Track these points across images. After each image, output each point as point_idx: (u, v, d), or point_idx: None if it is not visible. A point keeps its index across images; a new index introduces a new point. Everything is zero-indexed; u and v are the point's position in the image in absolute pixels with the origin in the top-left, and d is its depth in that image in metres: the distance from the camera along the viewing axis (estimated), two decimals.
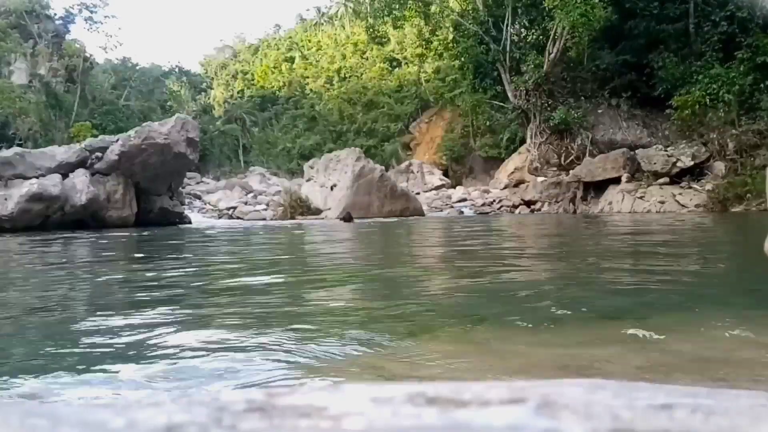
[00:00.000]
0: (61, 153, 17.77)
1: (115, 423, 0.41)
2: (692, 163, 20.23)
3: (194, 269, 6.99)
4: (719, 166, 19.92)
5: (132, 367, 2.52)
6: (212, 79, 66.00)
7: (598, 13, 21.44)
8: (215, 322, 3.57)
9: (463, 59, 27.57)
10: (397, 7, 28.38)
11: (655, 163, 20.54)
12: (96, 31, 43.25)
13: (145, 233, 14.12)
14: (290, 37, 65.26)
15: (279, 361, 2.58)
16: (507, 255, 8.04)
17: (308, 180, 24.76)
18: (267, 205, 25.55)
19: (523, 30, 26.71)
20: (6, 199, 16.14)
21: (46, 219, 16.40)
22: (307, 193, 23.47)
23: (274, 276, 5.84)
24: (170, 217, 19.00)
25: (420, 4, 28.16)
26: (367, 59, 52.63)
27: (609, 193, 21.54)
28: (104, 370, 2.50)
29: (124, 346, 2.93)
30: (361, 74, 51.78)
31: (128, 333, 3.21)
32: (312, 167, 24.94)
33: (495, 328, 3.24)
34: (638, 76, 23.26)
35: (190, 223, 19.69)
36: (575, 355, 2.54)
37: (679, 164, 20.29)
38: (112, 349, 2.87)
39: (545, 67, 23.77)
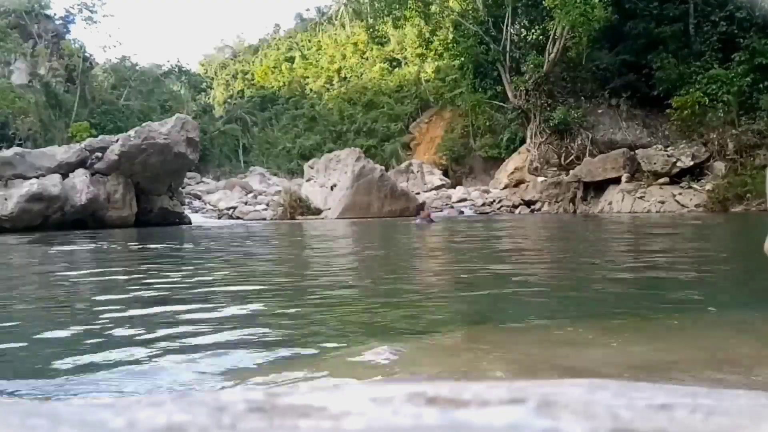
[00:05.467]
0: (61, 153, 17.77)
1: (115, 423, 0.41)
2: (692, 163, 20.23)
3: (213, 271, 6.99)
4: (719, 166, 19.92)
5: (132, 366, 2.52)
6: (212, 79, 65.98)
7: (598, 13, 21.44)
8: (220, 321, 3.56)
9: (463, 59, 27.58)
10: (397, 7, 28.38)
11: (655, 163, 20.54)
12: (96, 31, 43.22)
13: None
14: (290, 37, 65.28)
15: (278, 359, 2.58)
16: (507, 254, 8.04)
17: (308, 180, 24.76)
18: (267, 205, 25.54)
19: (523, 30, 26.72)
20: (6, 199, 16.15)
21: (46, 219, 16.40)
22: (307, 193, 23.47)
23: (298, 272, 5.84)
24: (170, 217, 19.00)
25: (420, 4, 28.15)
26: (367, 59, 52.62)
27: (609, 193, 21.54)
28: (104, 370, 2.50)
29: (124, 345, 2.93)
30: (361, 74, 51.77)
31: (129, 333, 3.21)
32: (312, 167, 24.94)
33: (494, 328, 3.24)
34: (638, 77, 23.27)
35: (189, 223, 19.68)
36: (575, 354, 2.53)
37: (679, 164, 20.29)
38: (113, 348, 2.87)
39: (545, 67, 23.78)
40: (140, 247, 10.87)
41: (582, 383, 0.49)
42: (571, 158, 24.00)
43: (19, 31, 37.81)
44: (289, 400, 0.44)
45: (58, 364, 2.60)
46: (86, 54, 41.91)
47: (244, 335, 3.10)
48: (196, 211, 25.11)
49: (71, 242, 11.48)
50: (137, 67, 49.10)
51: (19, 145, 23.56)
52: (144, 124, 18.70)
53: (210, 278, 6.00)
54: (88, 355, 2.75)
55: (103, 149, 17.62)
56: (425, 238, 11.99)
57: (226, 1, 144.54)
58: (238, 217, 23.71)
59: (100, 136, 19.78)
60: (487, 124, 32.74)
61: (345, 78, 53.40)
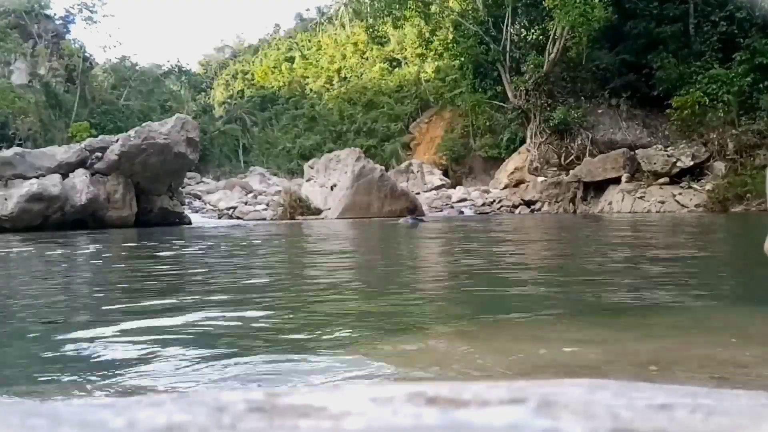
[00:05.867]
0: (61, 153, 17.76)
1: (115, 423, 0.41)
2: (692, 163, 20.24)
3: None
4: (719, 166, 19.93)
5: (132, 366, 2.52)
6: (212, 79, 65.99)
7: (598, 13, 21.46)
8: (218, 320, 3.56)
9: (463, 59, 27.59)
10: (397, 7, 28.39)
11: (655, 163, 20.55)
12: (96, 31, 43.30)
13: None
14: (290, 37, 65.29)
15: (277, 359, 2.58)
16: (508, 254, 8.04)
17: (308, 180, 24.76)
18: (267, 205, 25.53)
19: (523, 30, 26.74)
20: (6, 199, 16.14)
21: (46, 219, 16.40)
22: (307, 193, 23.46)
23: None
24: (170, 217, 18.99)
25: (420, 4, 28.17)
26: (367, 59, 52.61)
27: (609, 193, 21.55)
28: (106, 369, 2.50)
29: (123, 345, 2.93)
30: (361, 74, 51.75)
31: (131, 333, 3.20)
32: (312, 167, 24.94)
33: (495, 327, 3.24)
34: (638, 77, 23.29)
35: (190, 223, 19.68)
36: (575, 353, 2.53)
37: (679, 164, 20.31)
38: (112, 347, 2.87)
39: (545, 67, 23.79)
40: (142, 247, 10.88)
41: (582, 383, 0.49)
42: (571, 158, 24.02)
43: (19, 31, 37.81)
44: (289, 400, 0.44)
45: (56, 365, 2.60)
46: (86, 54, 41.93)
47: (243, 335, 3.10)
48: (196, 211, 25.11)
49: (74, 241, 11.49)
50: (137, 67, 49.12)
51: (19, 145, 23.54)
52: (144, 124, 18.68)
53: (209, 278, 6.00)
54: (88, 354, 2.75)
55: (103, 149, 17.61)
56: (424, 237, 12.00)
57: (226, 1, 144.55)
58: (238, 217, 23.71)
59: (100, 136, 19.77)
60: (487, 124, 32.73)
61: (345, 78, 53.38)
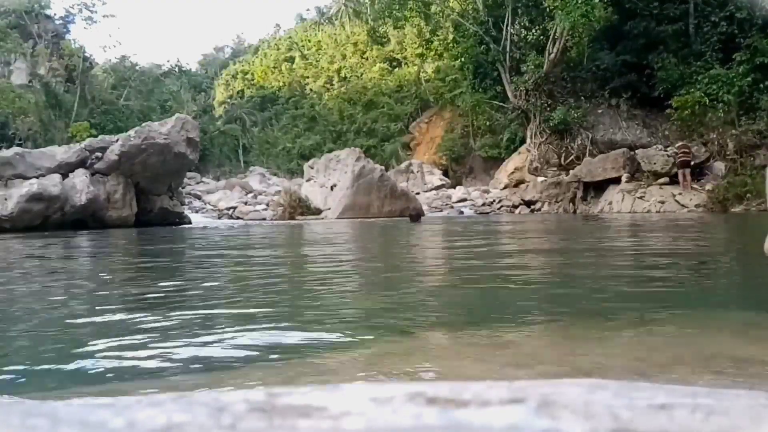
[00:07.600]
0: (61, 153, 17.76)
1: (115, 423, 0.41)
2: (692, 163, 20.25)
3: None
4: (719, 166, 19.94)
5: (132, 366, 2.52)
6: (212, 79, 66.01)
7: (599, 13, 21.47)
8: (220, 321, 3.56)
9: (463, 59, 27.61)
10: (398, 8, 28.41)
11: (655, 163, 20.55)
12: (96, 31, 43.29)
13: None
14: (290, 37, 65.26)
15: (278, 360, 2.58)
16: (507, 254, 8.04)
17: (308, 180, 24.75)
18: (267, 205, 25.53)
19: (523, 30, 26.76)
20: (6, 199, 16.14)
21: (46, 219, 16.39)
22: (307, 193, 23.45)
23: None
24: (170, 217, 18.99)
25: (420, 4, 28.19)
26: (367, 59, 52.60)
27: (609, 193, 21.55)
28: (105, 369, 2.50)
29: (124, 346, 2.93)
30: (361, 74, 51.76)
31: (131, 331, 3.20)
32: (312, 167, 24.93)
33: (495, 327, 3.24)
34: (638, 77, 23.29)
35: (190, 223, 19.68)
36: (575, 353, 2.53)
37: None
38: (111, 347, 2.87)
39: (545, 67, 23.79)
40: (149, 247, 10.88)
41: (582, 383, 0.49)
42: (571, 158, 24.02)
43: (19, 31, 37.83)
44: (289, 400, 0.44)
45: (56, 365, 2.60)
46: (86, 54, 41.93)
47: (242, 335, 3.10)
48: (196, 211, 25.10)
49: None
50: (137, 67, 49.14)
51: (19, 145, 23.52)
52: (144, 124, 18.68)
53: (208, 278, 6.00)
54: (87, 353, 2.75)
55: (103, 149, 17.61)
56: (424, 237, 12.00)
57: (226, 1, 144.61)
58: (238, 217, 23.71)
59: (100, 136, 19.75)
60: (487, 124, 32.76)
61: (345, 78, 53.38)
